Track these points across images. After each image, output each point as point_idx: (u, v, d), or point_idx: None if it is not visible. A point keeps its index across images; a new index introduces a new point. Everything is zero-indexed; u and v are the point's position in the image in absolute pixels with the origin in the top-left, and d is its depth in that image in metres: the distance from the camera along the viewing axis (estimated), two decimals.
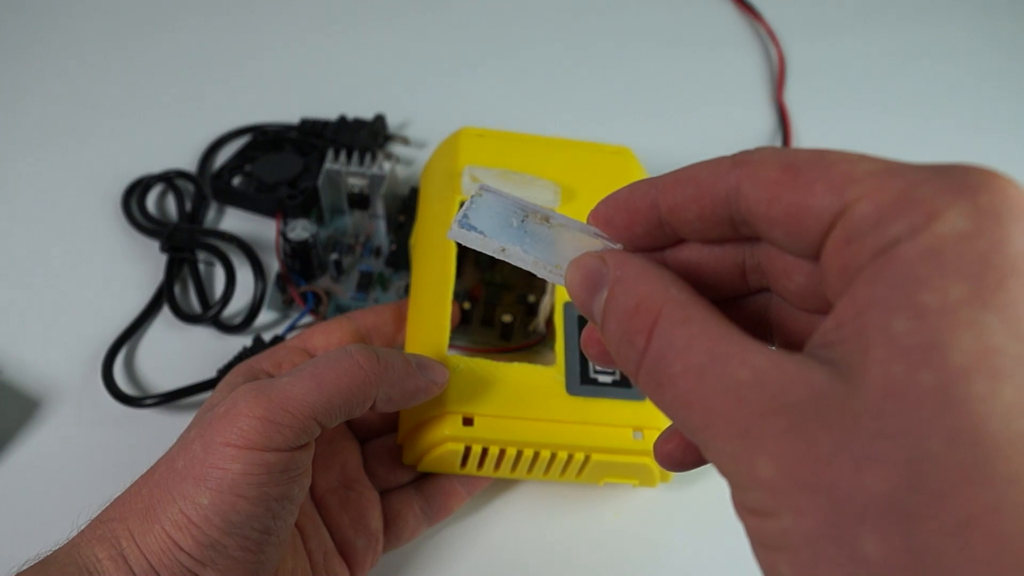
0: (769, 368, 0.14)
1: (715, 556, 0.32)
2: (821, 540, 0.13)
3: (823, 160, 0.15)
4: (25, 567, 0.23)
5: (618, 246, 0.18)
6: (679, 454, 0.20)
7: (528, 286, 0.39)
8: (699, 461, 0.20)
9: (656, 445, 0.20)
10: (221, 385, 0.29)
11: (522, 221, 0.19)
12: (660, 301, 0.16)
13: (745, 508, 0.15)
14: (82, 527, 0.24)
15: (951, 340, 0.13)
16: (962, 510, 0.12)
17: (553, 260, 0.19)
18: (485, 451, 0.29)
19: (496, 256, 0.19)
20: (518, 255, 0.19)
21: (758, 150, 0.16)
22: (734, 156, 0.16)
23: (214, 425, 0.23)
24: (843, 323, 0.14)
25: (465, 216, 0.19)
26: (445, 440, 0.28)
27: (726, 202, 0.16)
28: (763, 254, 0.18)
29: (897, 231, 0.14)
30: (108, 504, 0.24)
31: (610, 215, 0.18)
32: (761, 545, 0.14)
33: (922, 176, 0.14)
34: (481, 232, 0.19)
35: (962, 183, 0.14)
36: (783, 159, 0.15)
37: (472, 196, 0.19)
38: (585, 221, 0.19)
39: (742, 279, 0.18)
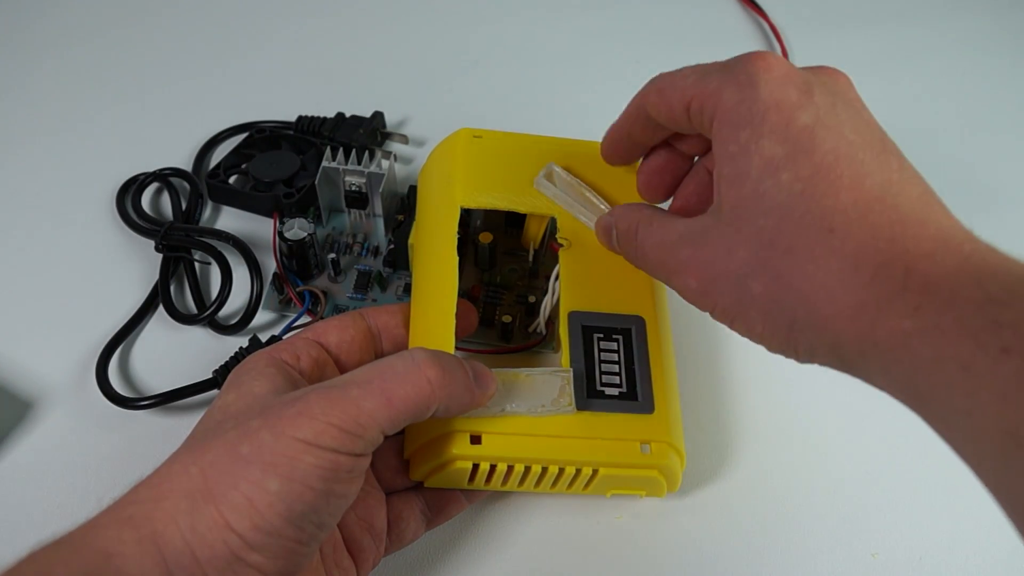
0: (683, 228, 0.26)
1: (716, 559, 0.32)
2: (738, 304, 0.24)
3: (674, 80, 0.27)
4: (38, 548, 0.22)
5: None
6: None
7: (528, 286, 0.38)
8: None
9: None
10: (244, 371, 0.28)
11: None
12: (636, 219, 0.29)
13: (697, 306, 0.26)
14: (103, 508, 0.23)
15: (750, 161, 0.23)
16: (788, 243, 0.22)
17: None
18: (493, 468, 0.29)
19: None
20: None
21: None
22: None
23: (286, 419, 0.23)
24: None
25: None
26: (453, 459, 0.28)
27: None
28: None
29: (710, 109, 0.25)
30: (138, 484, 0.24)
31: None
32: (720, 316, 0.25)
33: (714, 71, 0.25)
34: None
35: (733, 69, 0.25)
36: (659, 84, 0.28)
37: None
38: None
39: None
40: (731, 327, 0.25)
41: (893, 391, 0.21)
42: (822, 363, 0.23)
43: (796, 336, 0.23)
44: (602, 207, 0.33)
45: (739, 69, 0.24)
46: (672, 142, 0.30)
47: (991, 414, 0.18)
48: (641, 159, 0.32)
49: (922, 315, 0.20)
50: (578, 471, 0.29)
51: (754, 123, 0.23)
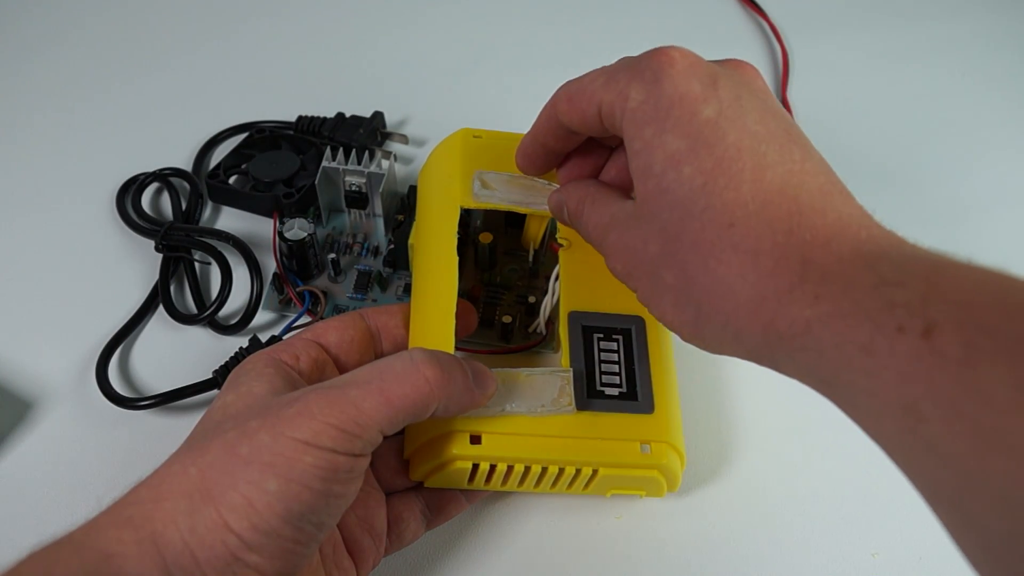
0: (614, 211, 0.27)
1: (716, 559, 0.32)
2: (652, 292, 0.25)
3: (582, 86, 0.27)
4: (38, 548, 0.22)
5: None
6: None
7: (528, 286, 0.38)
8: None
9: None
10: (244, 371, 0.28)
11: None
12: (582, 196, 0.29)
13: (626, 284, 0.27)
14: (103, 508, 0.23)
15: (653, 156, 0.23)
16: (692, 238, 0.23)
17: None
18: (493, 468, 0.29)
19: None
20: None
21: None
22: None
23: (284, 420, 0.24)
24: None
25: None
26: (453, 459, 0.28)
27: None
28: None
29: (620, 110, 0.25)
30: (137, 485, 0.24)
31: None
32: (641, 300, 0.26)
33: (621, 71, 0.25)
34: None
35: (638, 67, 0.24)
36: (568, 91, 0.27)
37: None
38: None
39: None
40: (650, 312, 0.26)
41: (802, 378, 0.22)
42: (731, 354, 0.24)
43: (702, 328, 0.23)
44: (550, 188, 0.33)
45: (644, 66, 0.24)
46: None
47: (892, 392, 0.18)
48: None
49: (821, 303, 0.20)
50: (578, 471, 0.29)
51: (659, 119, 0.23)
